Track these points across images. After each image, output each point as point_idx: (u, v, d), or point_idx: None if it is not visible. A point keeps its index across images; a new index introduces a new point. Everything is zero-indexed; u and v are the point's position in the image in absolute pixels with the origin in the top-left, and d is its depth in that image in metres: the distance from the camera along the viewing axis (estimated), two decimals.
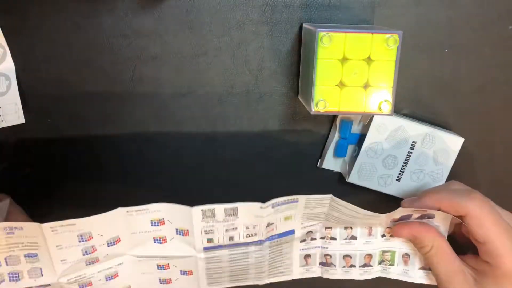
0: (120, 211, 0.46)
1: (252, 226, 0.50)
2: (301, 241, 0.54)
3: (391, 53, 0.47)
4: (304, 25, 0.53)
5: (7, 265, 0.45)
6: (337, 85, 0.48)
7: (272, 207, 0.48)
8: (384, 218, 0.51)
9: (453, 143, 0.55)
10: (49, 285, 0.48)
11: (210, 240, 0.50)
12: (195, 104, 0.56)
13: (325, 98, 0.48)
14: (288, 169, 0.59)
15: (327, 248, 0.55)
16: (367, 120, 0.55)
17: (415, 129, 0.54)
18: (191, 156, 0.58)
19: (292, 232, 0.53)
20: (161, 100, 0.55)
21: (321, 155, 0.59)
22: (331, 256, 0.55)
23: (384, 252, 0.55)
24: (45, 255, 0.46)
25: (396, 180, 0.56)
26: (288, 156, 0.58)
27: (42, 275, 0.47)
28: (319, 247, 0.55)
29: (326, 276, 0.56)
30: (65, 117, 0.55)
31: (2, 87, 0.52)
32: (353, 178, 0.56)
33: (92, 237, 0.46)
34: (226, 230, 0.49)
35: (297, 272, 0.56)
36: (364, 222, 0.53)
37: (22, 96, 0.53)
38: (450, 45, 0.55)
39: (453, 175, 0.56)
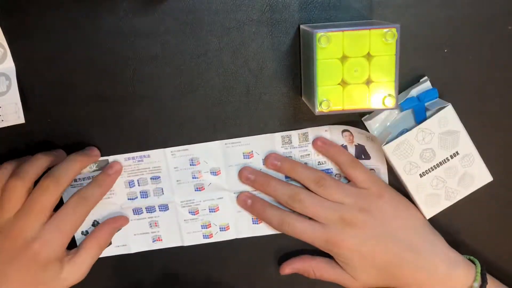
0: (219, 143, 0.56)
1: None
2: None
3: (390, 47, 0.47)
4: (301, 26, 0.53)
5: (138, 185, 0.57)
6: (339, 84, 0.48)
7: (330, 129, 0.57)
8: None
9: (482, 176, 0.56)
10: (168, 208, 0.58)
11: None
12: (195, 104, 0.56)
13: (328, 98, 0.48)
14: None
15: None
16: None
17: (465, 143, 0.54)
18: None
19: None
20: (161, 100, 0.55)
21: None
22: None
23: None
24: (165, 176, 0.57)
25: (420, 175, 0.55)
26: None
27: (163, 193, 0.58)
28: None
29: None
30: (65, 117, 0.55)
31: (2, 87, 0.53)
32: (389, 148, 0.54)
33: (199, 162, 0.57)
34: (301, 156, 0.57)
35: None
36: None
37: (22, 96, 0.53)
38: (450, 45, 0.55)
39: None
